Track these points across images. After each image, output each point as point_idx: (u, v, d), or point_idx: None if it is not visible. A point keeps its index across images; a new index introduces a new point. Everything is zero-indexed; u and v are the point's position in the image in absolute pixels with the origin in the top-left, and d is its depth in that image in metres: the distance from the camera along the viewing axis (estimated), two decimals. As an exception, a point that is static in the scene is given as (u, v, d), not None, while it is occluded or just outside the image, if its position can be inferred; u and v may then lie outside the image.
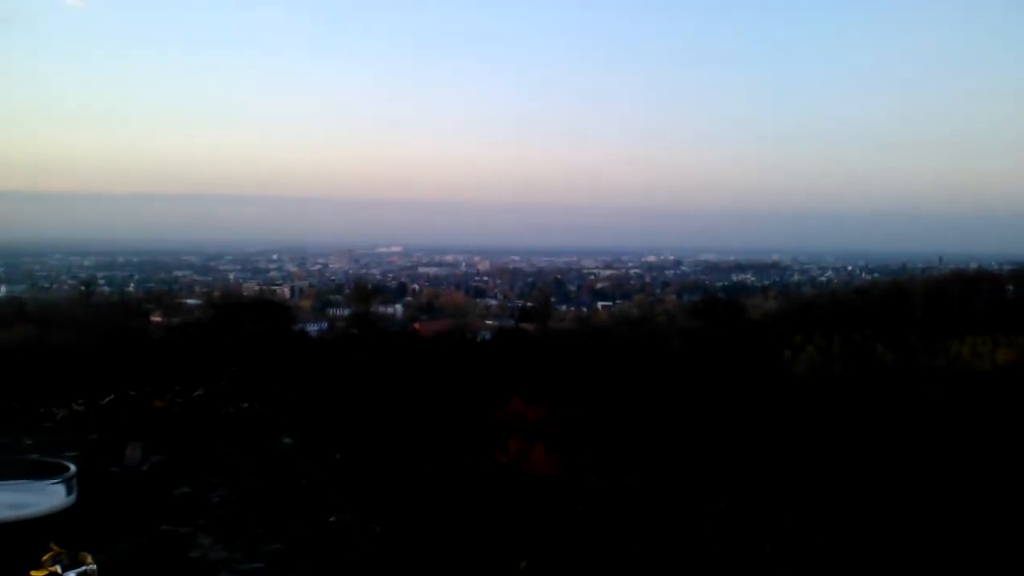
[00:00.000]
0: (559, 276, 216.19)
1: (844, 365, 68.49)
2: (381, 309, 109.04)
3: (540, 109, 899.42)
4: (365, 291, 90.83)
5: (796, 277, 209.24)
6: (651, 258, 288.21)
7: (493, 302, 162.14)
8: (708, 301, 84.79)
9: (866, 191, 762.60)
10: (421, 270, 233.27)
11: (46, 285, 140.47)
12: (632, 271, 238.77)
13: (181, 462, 4.05)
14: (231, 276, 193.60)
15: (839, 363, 69.88)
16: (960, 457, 33.98)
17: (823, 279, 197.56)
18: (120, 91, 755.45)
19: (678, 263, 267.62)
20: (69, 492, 1.57)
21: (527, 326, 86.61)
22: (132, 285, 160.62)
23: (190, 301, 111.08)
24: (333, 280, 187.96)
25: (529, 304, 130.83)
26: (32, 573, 1.42)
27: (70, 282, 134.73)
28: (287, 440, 4.58)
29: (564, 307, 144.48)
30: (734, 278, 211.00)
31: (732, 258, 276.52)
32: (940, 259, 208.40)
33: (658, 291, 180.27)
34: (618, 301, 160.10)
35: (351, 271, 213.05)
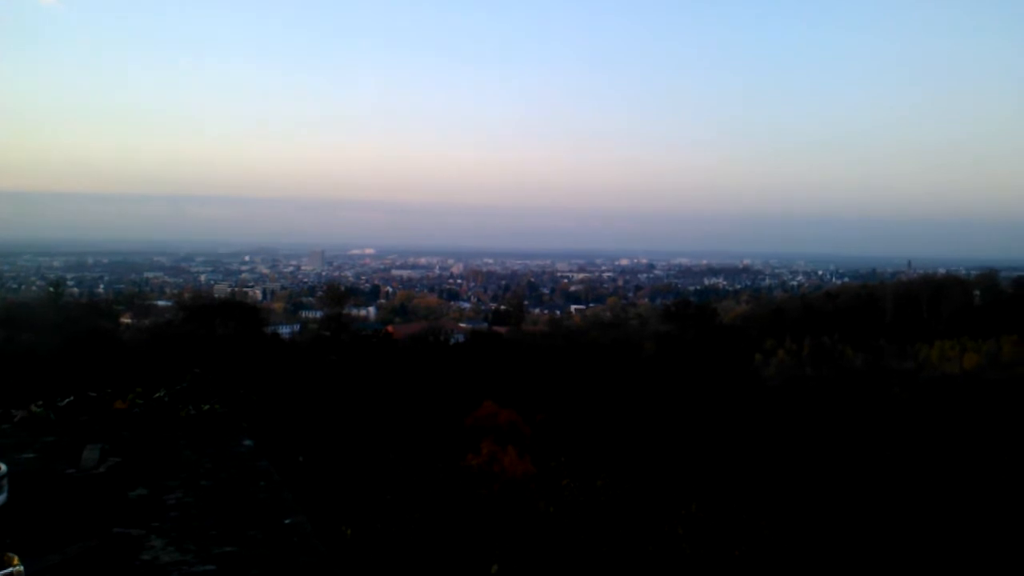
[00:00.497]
0: (532, 279, 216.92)
1: (814, 368, 69.00)
2: (354, 311, 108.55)
3: (514, 113, 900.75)
4: (338, 293, 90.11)
5: (767, 281, 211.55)
6: (624, 261, 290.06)
7: (466, 305, 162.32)
8: (680, 304, 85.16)
9: (837, 196, 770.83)
10: (395, 272, 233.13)
11: (14, 286, 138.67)
12: (605, 274, 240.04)
13: (138, 464, 3.99)
14: (202, 278, 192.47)
15: (809, 366, 70.41)
16: (928, 458, 34.34)
17: (794, 283, 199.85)
18: (91, 91, 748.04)
19: (651, 266, 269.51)
20: (-1, 492, 1.53)
21: (500, 329, 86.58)
22: (102, 286, 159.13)
23: (161, 303, 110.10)
24: (305, 282, 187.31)
25: (502, 307, 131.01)
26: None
27: (39, 283, 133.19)
28: (248, 442, 4.53)
29: (537, 310, 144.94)
30: (706, 282, 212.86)
31: (704, 262, 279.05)
32: (909, 263, 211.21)
33: (631, 294, 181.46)
34: (591, 304, 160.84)
35: (324, 273, 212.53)
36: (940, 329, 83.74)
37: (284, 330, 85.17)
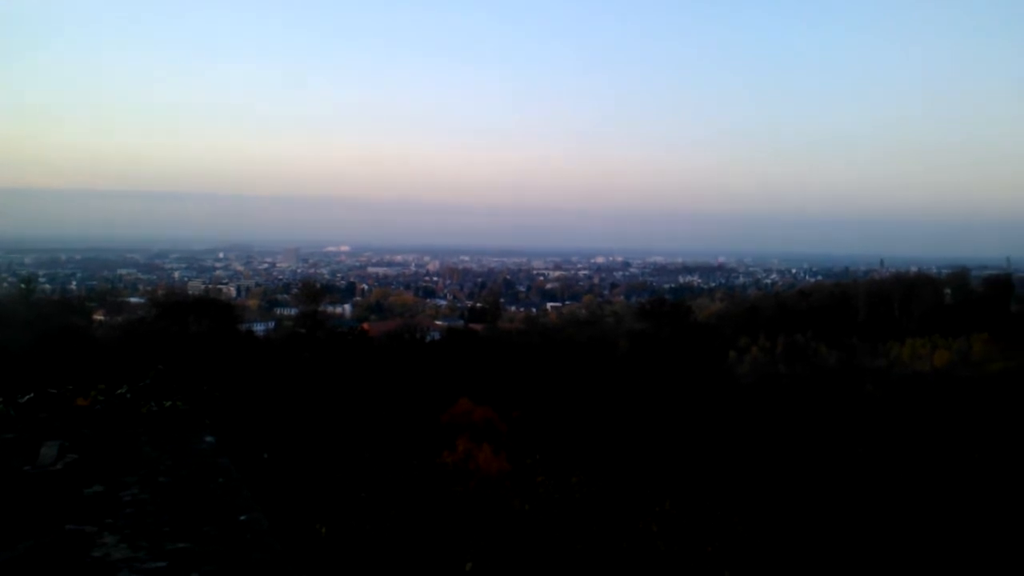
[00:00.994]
0: (509, 277, 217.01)
1: (788, 366, 69.46)
2: (329, 309, 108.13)
3: (492, 112, 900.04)
4: (313, 290, 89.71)
5: (742, 279, 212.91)
6: (600, 259, 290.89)
7: (443, 302, 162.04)
8: (655, 302, 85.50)
9: (810, 194, 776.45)
10: (370, 270, 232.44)
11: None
12: (581, 272, 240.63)
13: (96, 461, 3.94)
14: (176, 274, 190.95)
15: (783, 364, 70.87)
16: (900, 455, 34.66)
17: (768, 281, 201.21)
18: (62, 87, 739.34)
19: (627, 264, 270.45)
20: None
21: (476, 326, 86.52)
22: (74, 283, 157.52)
23: (133, 300, 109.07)
24: (280, 279, 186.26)
25: (479, 304, 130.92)
26: None
27: (10, 280, 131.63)
28: (209, 439, 4.48)
29: (514, 307, 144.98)
30: (681, 280, 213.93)
31: (679, 260, 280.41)
32: (882, 262, 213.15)
33: (607, 292, 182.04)
34: (567, 302, 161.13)
35: (299, 270, 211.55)
36: (912, 327, 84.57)
37: (259, 327, 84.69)
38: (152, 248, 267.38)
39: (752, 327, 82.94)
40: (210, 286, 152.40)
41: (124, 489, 3.46)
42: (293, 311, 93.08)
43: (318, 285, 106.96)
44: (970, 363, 69.00)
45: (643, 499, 23.47)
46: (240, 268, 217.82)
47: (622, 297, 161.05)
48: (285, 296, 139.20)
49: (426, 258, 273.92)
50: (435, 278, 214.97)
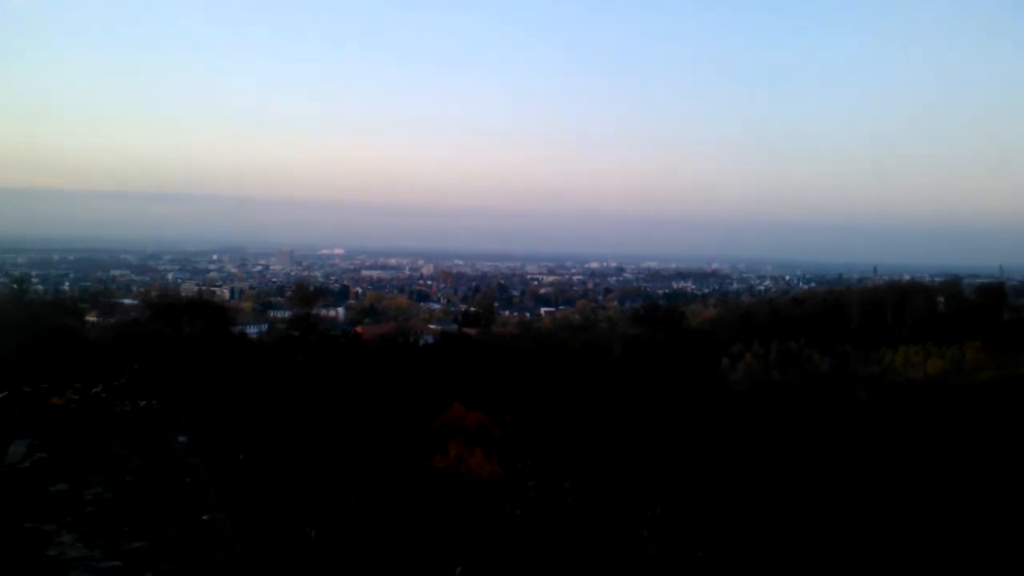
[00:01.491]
0: (503, 281, 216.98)
1: (781, 373, 69.51)
2: (323, 312, 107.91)
3: (488, 116, 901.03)
4: (307, 293, 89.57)
5: (735, 285, 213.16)
6: (594, 264, 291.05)
7: (436, 306, 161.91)
8: (649, 308, 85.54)
9: (804, 201, 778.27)
10: (364, 273, 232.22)
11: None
12: (575, 277, 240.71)
13: (64, 460, 3.87)
14: (170, 276, 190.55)
15: (776, 371, 70.91)
16: (892, 462, 34.65)
17: (761, 288, 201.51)
18: (58, 87, 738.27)
19: (621, 270, 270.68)
20: None
21: (470, 330, 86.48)
22: (67, 284, 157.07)
23: (127, 301, 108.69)
24: (274, 282, 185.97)
25: (472, 309, 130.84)
26: None
27: (2, 280, 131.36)
28: (182, 439, 4.42)
29: (507, 312, 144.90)
30: (675, 285, 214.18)
31: (673, 266, 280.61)
32: (875, 270, 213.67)
33: (601, 297, 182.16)
34: (561, 306, 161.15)
35: (293, 273, 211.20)
36: (905, 335, 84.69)
37: (252, 330, 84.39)
38: (146, 249, 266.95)
39: (745, 333, 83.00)
40: (204, 288, 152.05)
41: (88, 488, 3.40)
42: (287, 314, 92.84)
43: (312, 288, 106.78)
44: (963, 371, 69.11)
45: (635, 504, 23.42)
46: (234, 270, 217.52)
47: (616, 302, 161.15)
48: (279, 299, 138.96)
49: (420, 262, 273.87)
50: (429, 282, 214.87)
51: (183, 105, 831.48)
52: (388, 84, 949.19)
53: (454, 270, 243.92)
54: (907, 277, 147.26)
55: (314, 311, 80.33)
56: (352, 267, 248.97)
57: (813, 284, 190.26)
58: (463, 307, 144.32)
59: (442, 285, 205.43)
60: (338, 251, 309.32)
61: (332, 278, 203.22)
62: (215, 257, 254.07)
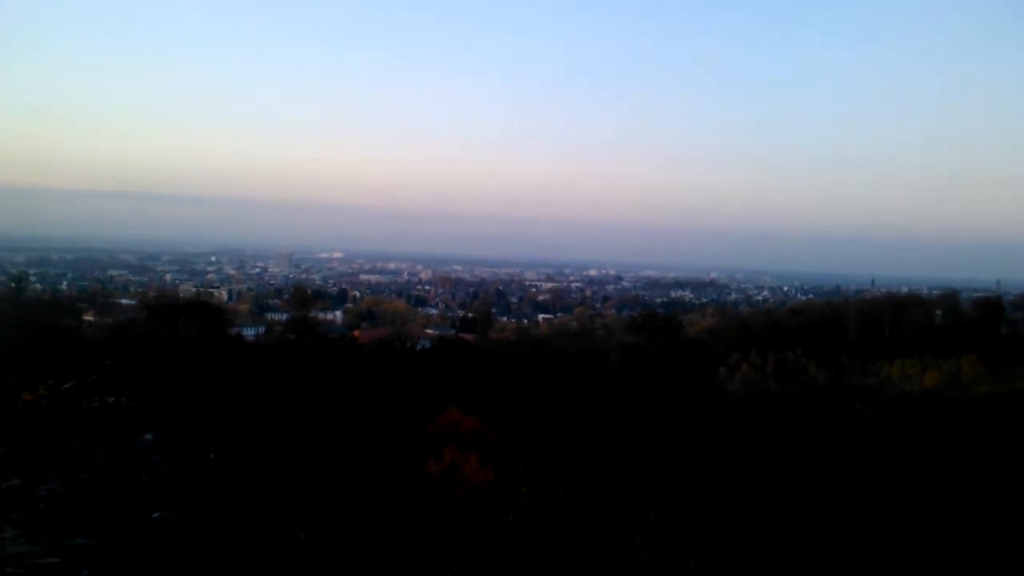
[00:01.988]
0: (501, 287, 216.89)
1: (778, 383, 69.45)
2: (321, 315, 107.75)
3: (488, 122, 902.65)
4: (304, 296, 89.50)
5: (733, 296, 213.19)
6: (593, 272, 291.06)
7: (434, 311, 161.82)
8: (647, 316, 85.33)
9: (803, 213, 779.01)
10: (363, 277, 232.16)
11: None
12: (574, 284, 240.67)
13: (22, 455, 3.79)
14: (168, 277, 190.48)
15: (773, 381, 70.87)
16: (888, 474, 34.57)
17: (759, 298, 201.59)
18: (58, 87, 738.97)
19: (619, 278, 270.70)
20: None
21: (468, 336, 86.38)
22: (65, 283, 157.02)
23: (124, 301, 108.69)
24: (272, 284, 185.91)
25: (470, 314, 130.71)
26: None
27: (1, 279, 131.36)
28: (148, 436, 4.33)
29: (505, 318, 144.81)
30: (673, 294, 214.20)
31: (672, 275, 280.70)
32: (873, 282, 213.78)
33: (598, 305, 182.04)
34: (559, 313, 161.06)
35: (291, 276, 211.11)
36: (902, 348, 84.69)
37: (249, 332, 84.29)
38: (144, 250, 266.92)
39: (743, 343, 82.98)
40: (201, 289, 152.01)
41: (42, 484, 3.32)
42: (284, 316, 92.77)
43: (309, 291, 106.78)
44: (960, 384, 69.12)
45: (628, 511, 23.34)
46: (232, 272, 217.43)
47: (614, 310, 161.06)
48: (276, 301, 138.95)
49: (419, 267, 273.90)
50: (427, 287, 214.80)
51: (183, 106, 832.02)
52: (389, 87, 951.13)
53: (452, 275, 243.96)
54: (905, 290, 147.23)
55: (311, 314, 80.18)
56: (350, 271, 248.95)
57: (811, 295, 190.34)
58: (461, 313, 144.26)
59: (440, 290, 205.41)
60: (337, 255, 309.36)
61: (330, 281, 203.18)
62: (213, 259, 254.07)
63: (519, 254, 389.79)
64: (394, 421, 39.46)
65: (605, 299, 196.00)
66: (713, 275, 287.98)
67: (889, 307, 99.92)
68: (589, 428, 41.36)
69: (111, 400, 4.87)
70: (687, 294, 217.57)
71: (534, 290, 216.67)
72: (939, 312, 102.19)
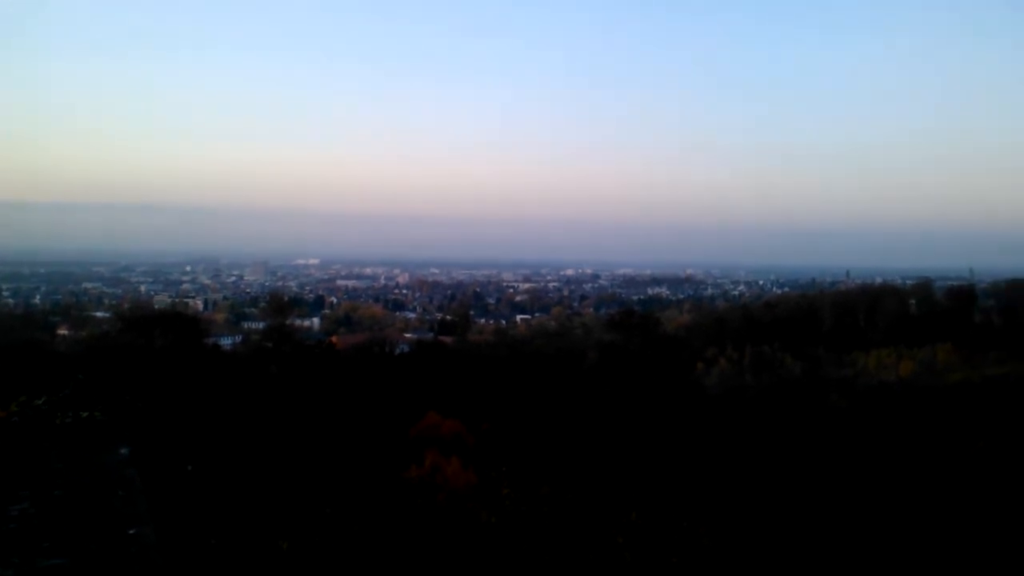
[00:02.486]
0: (478, 289, 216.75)
1: (754, 377, 69.85)
2: (298, 322, 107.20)
3: (459, 123, 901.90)
4: (281, 304, 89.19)
5: (709, 291, 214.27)
6: (570, 271, 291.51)
7: (412, 315, 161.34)
8: (624, 314, 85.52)
9: (778, 207, 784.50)
10: (339, 283, 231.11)
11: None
12: (551, 284, 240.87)
13: (-5, 474, 3.75)
14: (142, 288, 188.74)
15: (750, 375, 71.26)
16: (865, 464, 34.87)
17: (735, 292, 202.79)
18: (24, 99, 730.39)
19: (596, 276, 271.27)
20: None
21: (446, 339, 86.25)
22: (38, 297, 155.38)
23: (99, 314, 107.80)
24: (248, 292, 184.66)
25: (448, 317, 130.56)
26: None
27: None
28: (124, 450, 4.30)
29: (483, 320, 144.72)
30: (650, 291, 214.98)
31: (648, 272, 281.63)
32: (848, 273, 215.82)
33: (576, 304, 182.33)
34: (537, 314, 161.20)
35: (267, 283, 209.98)
36: (877, 338, 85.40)
37: (226, 341, 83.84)
38: (118, 261, 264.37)
39: (720, 338, 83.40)
40: (177, 300, 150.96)
41: (15, 503, 3.29)
42: (261, 325, 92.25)
43: (286, 298, 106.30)
44: (934, 372, 69.81)
45: (610, 510, 23.40)
46: (207, 281, 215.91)
47: (591, 309, 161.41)
48: (253, 310, 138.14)
49: (396, 271, 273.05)
50: (404, 291, 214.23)
51: (155, 116, 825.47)
52: (362, 92, 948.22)
53: (430, 279, 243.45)
54: (879, 280, 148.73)
55: (288, 321, 79.90)
56: (327, 277, 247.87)
57: (786, 288, 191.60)
58: (439, 315, 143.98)
59: (418, 294, 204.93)
60: (313, 261, 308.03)
61: (307, 288, 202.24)
62: (188, 268, 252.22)
63: (496, 255, 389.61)
64: (374, 426, 39.34)
65: (583, 298, 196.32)
66: (689, 271, 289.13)
67: (864, 298, 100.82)
68: (569, 428, 41.40)
69: (85, 415, 4.82)
70: (664, 291, 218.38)
71: (512, 291, 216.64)
72: (913, 302, 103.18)
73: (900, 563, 24.17)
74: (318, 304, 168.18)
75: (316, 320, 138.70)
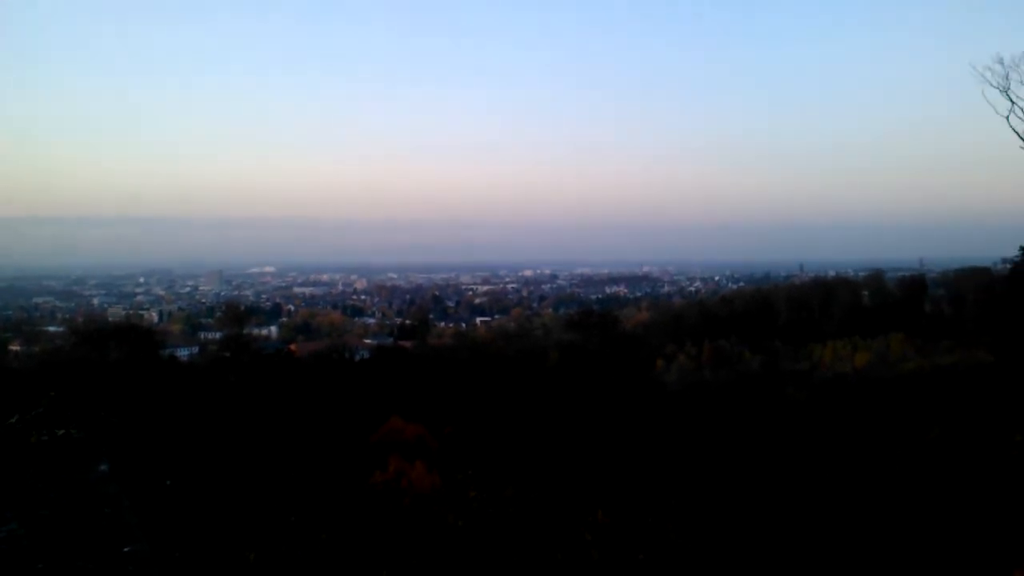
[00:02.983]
0: (438, 293, 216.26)
1: (713, 372, 70.61)
2: (255, 331, 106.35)
3: (411, 124, 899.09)
4: (237, 313, 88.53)
5: (667, 288, 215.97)
6: (528, 272, 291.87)
7: (371, 321, 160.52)
8: (583, 313, 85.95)
9: (730, 202, 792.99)
10: (296, 290, 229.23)
11: None
12: (510, 286, 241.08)
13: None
14: (95, 301, 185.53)
15: (708, 370, 72.03)
16: (824, 456, 35.44)
17: (692, 289, 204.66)
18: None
19: (554, 276, 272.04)
20: None
21: (406, 343, 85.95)
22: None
23: (51, 328, 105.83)
24: (204, 303, 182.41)
25: (408, 321, 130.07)
26: None
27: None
28: (103, 467, 4.30)
29: (443, 323, 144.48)
30: (608, 290, 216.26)
31: (606, 271, 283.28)
32: (801, 267, 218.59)
33: (535, 305, 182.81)
34: (497, 316, 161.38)
35: (223, 293, 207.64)
36: (832, 329, 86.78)
37: (182, 353, 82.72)
38: (70, 275, 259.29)
39: (678, 335, 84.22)
40: (131, 312, 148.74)
41: (2, 525, 3.29)
42: (218, 335, 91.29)
43: (242, 307, 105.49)
44: (888, 363, 71.15)
45: (577, 509, 23.54)
46: (161, 293, 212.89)
47: (551, 309, 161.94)
48: (209, 320, 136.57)
49: (353, 277, 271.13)
50: (363, 296, 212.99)
51: (102, 127, 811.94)
52: (314, 98, 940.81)
53: (388, 283, 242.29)
54: (832, 273, 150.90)
55: (246, 331, 79.32)
56: (284, 284, 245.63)
57: (742, 283, 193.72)
58: (398, 320, 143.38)
59: (376, 299, 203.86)
60: (269, 269, 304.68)
61: (263, 297, 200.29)
62: (142, 280, 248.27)
63: (454, 259, 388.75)
64: (337, 433, 39.13)
65: (542, 299, 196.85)
66: (646, 269, 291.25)
67: (818, 291, 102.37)
68: (532, 428, 41.54)
69: (61, 432, 4.80)
70: (622, 289, 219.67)
71: (471, 293, 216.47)
72: (866, 293, 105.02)
73: (861, 551, 24.61)
74: (275, 312, 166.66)
75: (274, 328, 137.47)
